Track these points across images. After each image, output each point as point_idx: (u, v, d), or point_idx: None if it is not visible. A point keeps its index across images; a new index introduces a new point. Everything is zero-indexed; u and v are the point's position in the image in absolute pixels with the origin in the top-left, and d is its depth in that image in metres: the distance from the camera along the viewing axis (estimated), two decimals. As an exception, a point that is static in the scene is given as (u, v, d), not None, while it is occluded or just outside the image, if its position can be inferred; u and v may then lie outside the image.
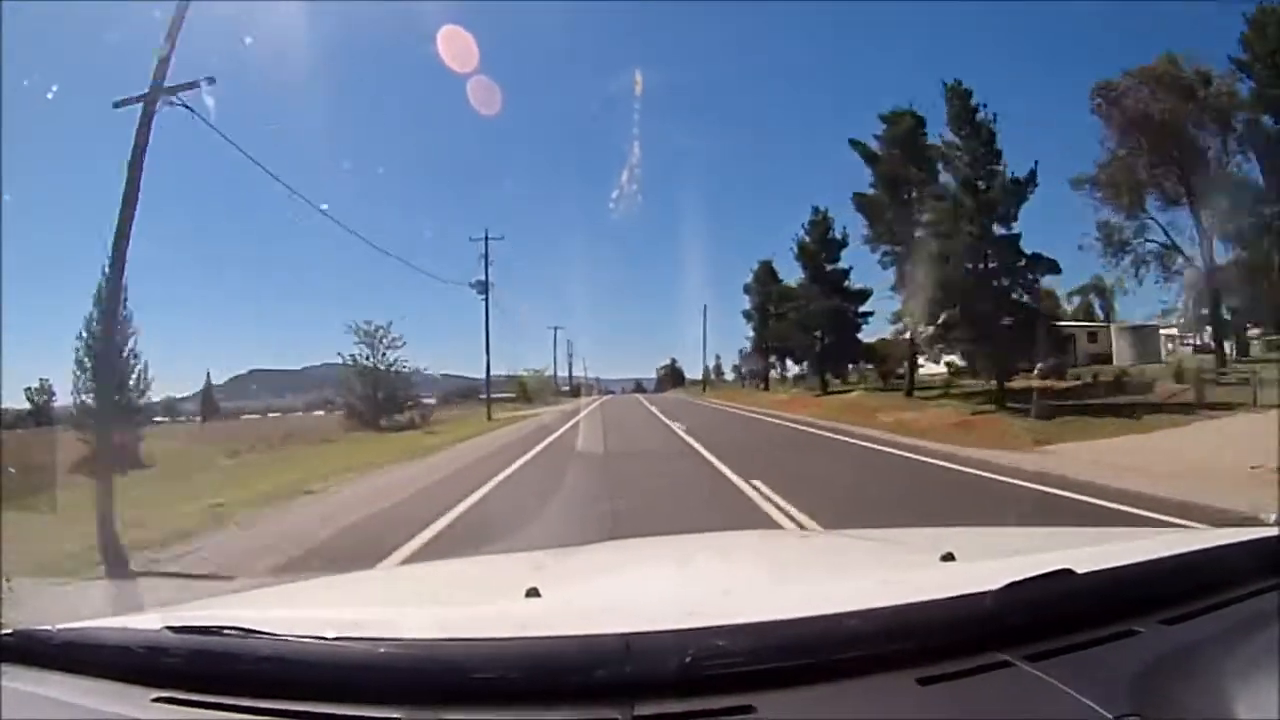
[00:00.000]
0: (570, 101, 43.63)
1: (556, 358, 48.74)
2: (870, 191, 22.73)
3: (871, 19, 35.44)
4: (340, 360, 27.05)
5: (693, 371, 67.24)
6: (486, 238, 29.85)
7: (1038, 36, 31.12)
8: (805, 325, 28.65)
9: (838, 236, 28.29)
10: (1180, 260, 20.94)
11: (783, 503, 7.14)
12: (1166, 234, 20.96)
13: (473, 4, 27.45)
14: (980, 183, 19.05)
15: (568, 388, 52.65)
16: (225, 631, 0.98)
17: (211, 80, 8.14)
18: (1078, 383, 20.53)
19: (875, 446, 12.51)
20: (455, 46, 17.18)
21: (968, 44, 36.57)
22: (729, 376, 55.30)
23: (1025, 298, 19.55)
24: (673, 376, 69.60)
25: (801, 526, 6.12)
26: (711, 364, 63.60)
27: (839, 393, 27.51)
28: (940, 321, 19.44)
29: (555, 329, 46.80)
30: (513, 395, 41.87)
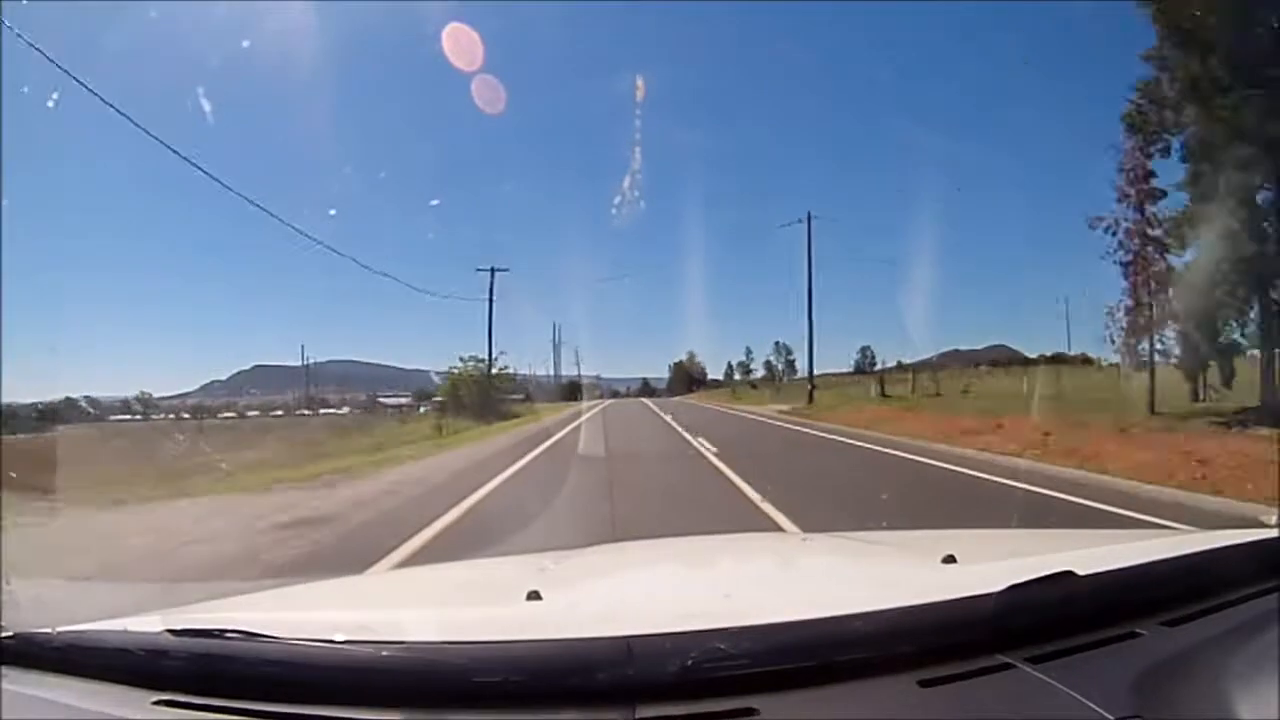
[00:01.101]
0: (574, 97, 43.11)
1: (493, 337, 27.91)
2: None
3: (872, 19, 35.31)
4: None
5: (715, 369, 53.41)
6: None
7: (1038, 38, 30.86)
8: None
9: None
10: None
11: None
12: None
13: (476, 3, 27.18)
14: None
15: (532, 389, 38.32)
16: (226, 634, 0.98)
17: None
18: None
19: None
20: (460, 44, 17.15)
21: (967, 46, 36.42)
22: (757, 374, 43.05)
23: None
24: (689, 375, 55.13)
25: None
26: (735, 360, 48.03)
27: None
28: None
29: (492, 271, 27.17)
30: (443, 400, 27.11)
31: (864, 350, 43.63)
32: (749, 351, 46.43)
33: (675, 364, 57.75)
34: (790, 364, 44.36)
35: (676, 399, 43.58)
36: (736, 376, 48.18)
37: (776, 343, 45.48)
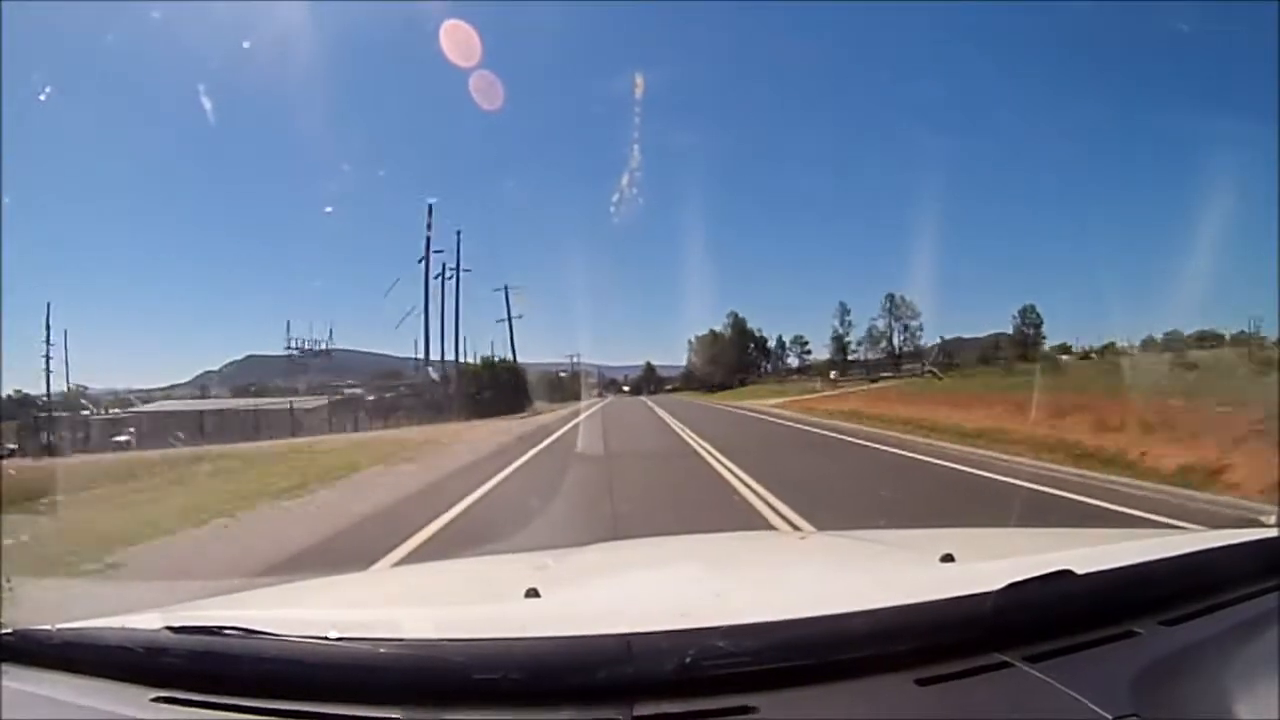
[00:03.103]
0: (575, 90, 41.76)
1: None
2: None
3: (873, 19, 34.55)
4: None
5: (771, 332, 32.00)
6: None
7: (1038, 41, 30.25)
8: None
9: None
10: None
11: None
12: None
13: (475, 2, 26.54)
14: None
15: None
16: (225, 631, 0.98)
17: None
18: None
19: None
20: (458, 41, 17.04)
21: (968, 49, 35.72)
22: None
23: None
24: (734, 354, 32.45)
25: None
26: (789, 335, 27.54)
27: None
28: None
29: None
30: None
31: (1024, 311, 26.96)
32: (845, 311, 24.99)
33: (702, 337, 34.36)
34: (910, 332, 25.41)
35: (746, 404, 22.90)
36: (791, 360, 28.53)
37: (889, 295, 25.91)
